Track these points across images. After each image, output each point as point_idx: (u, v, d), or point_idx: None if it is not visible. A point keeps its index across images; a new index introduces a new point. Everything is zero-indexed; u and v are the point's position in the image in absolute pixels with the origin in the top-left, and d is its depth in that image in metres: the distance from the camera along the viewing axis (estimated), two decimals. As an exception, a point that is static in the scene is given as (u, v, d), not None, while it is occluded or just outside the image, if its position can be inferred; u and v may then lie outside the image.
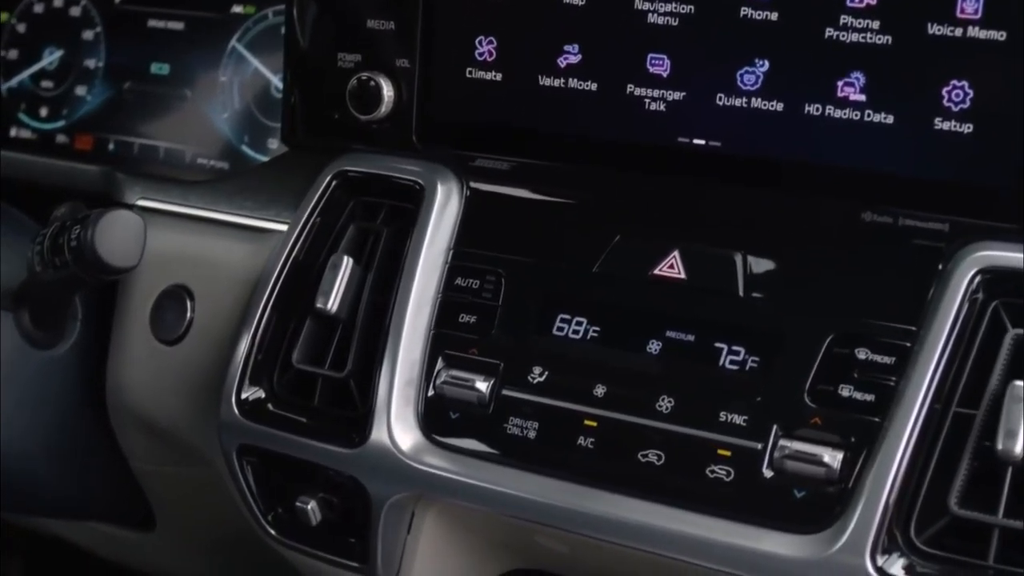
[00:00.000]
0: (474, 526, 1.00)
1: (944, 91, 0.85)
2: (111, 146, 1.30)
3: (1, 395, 1.11)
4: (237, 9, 1.26)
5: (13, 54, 1.37)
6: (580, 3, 0.95)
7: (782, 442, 0.85)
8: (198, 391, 1.08)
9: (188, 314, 1.10)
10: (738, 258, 0.90)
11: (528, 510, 0.91)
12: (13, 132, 1.36)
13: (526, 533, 0.97)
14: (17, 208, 1.17)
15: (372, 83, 1.02)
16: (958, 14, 0.84)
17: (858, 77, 0.87)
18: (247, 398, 1.00)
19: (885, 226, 0.88)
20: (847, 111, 0.88)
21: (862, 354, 0.85)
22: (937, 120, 0.85)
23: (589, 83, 0.96)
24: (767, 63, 0.90)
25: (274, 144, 1.21)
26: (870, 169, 0.89)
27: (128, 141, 1.29)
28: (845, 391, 0.85)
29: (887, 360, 0.84)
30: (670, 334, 0.90)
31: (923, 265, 0.86)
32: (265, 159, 1.21)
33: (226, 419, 1.01)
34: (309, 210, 1.03)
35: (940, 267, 0.85)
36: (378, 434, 0.95)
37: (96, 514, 1.30)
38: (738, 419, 0.86)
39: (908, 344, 0.84)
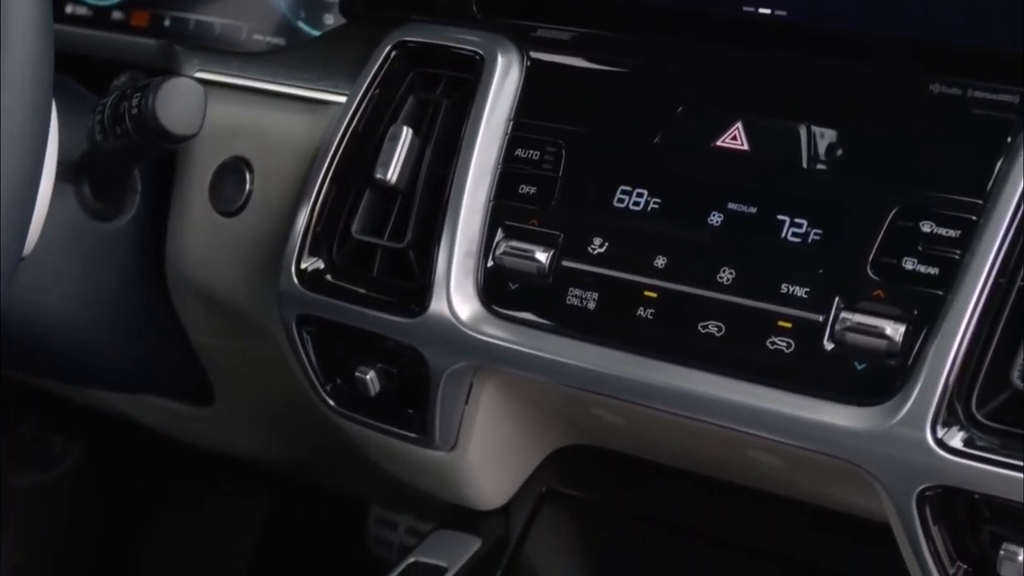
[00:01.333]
0: (531, 398, 1.01)
1: (1018, -43, 0.83)
2: (167, 22, 1.30)
3: (62, 267, 1.12)
4: None
5: (67, -69, 1.37)
6: None
7: (844, 314, 0.84)
8: (257, 262, 1.08)
9: (247, 186, 1.10)
10: (802, 130, 0.89)
11: (587, 380, 0.91)
12: (69, 9, 1.36)
13: (583, 405, 0.97)
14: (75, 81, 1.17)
15: (432, -48, 1.01)
16: None
17: (929, -57, 0.86)
18: (306, 268, 1.01)
19: (953, 97, 0.86)
20: (917, -22, 0.86)
21: (927, 227, 0.84)
22: (1009, -12, 0.84)
23: (653, -50, 0.95)
24: (834, -71, 0.89)
25: (330, 19, 1.20)
26: (938, 39, 0.87)
27: (184, 17, 1.29)
28: (909, 264, 0.84)
29: (952, 233, 0.84)
30: (732, 206, 0.90)
31: (991, 137, 0.84)
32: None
33: (286, 289, 1.01)
34: (368, 81, 1.02)
35: (1009, 139, 0.84)
36: (438, 304, 0.95)
37: (155, 388, 1.32)
38: (799, 291, 0.86)
39: (974, 217, 0.83)
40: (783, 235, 0.88)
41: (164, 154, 1.12)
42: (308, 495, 1.69)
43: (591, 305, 0.91)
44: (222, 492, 1.80)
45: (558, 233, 0.93)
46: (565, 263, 0.92)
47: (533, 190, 0.95)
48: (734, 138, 0.91)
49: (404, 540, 1.67)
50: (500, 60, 0.98)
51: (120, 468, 1.83)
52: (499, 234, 0.95)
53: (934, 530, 0.84)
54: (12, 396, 1.72)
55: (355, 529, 1.75)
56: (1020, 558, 0.80)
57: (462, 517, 1.10)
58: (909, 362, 0.82)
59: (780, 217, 0.88)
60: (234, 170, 1.10)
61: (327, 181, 1.01)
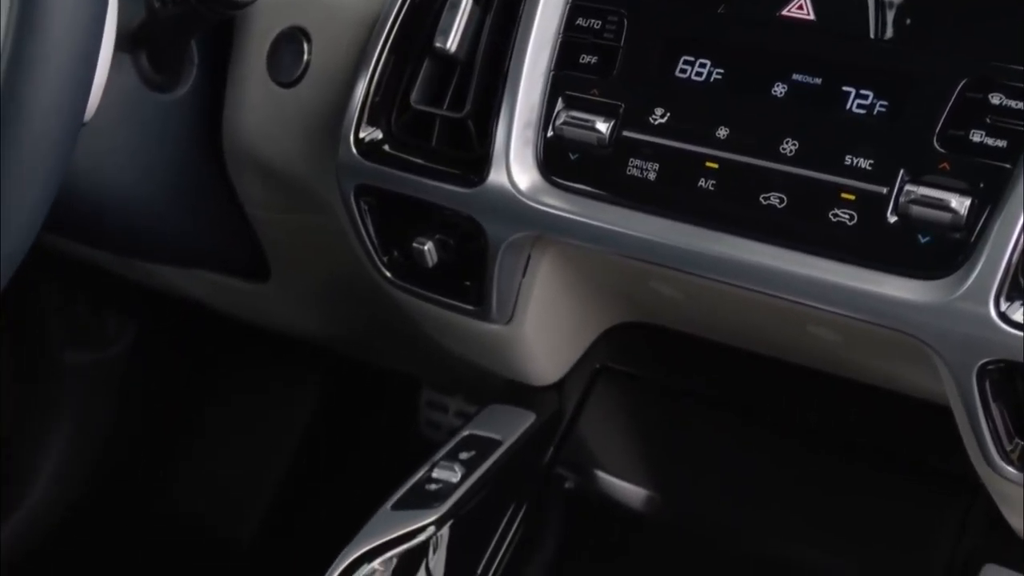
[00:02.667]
0: (588, 272, 1.00)
1: None
2: None
3: (120, 137, 1.12)
4: None
5: None
6: None
7: (908, 187, 0.83)
8: (315, 133, 1.08)
9: (305, 56, 1.09)
10: (870, -1, 0.88)
11: (646, 250, 0.90)
12: None
13: (641, 278, 0.97)
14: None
15: None
16: None
17: None
18: (365, 138, 1.00)
19: (1027, -33, 0.84)
20: None
21: (996, 99, 0.83)
22: None
23: None
24: None
25: None
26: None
27: None
28: (976, 136, 0.83)
29: (1021, 105, 0.82)
30: (796, 77, 0.88)
31: (1064, 8, 0.83)
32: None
33: (344, 159, 1.01)
34: (428, -51, 1.01)
35: (1083, 10, 0.82)
36: (497, 174, 0.94)
37: (211, 263, 1.32)
38: (864, 163, 0.85)
39: (1044, 89, 0.82)
40: (848, 106, 0.86)
41: (221, 24, 1.11)
42: (360, 375, 1.70)
43: (651, 176, 0.90)
44: (275, 370, 1.82)
45: (619, 103, 0.92)
46: (626, 133, 0.92)
47: (594, 60, 0.94)
48: (800, 7, 0.89)
49: (454, 423, 1.69)
50: (562, -73, 0.97)
51: (174, 346, 1.85)
52: (559, 104, 0.94)
53: (994, 407, 0.83)
54: (68, 276, 1.74)
55: (406, 411, 1.76)
56: (1080, 435, 0.80)
57: (516, 392, 1.11)
58: (973, 236, 0.81)
59: (845, 88, 0.87)
60: (292, 40, 1.10)
61: (386, 50, 1.01)
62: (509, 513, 1.05)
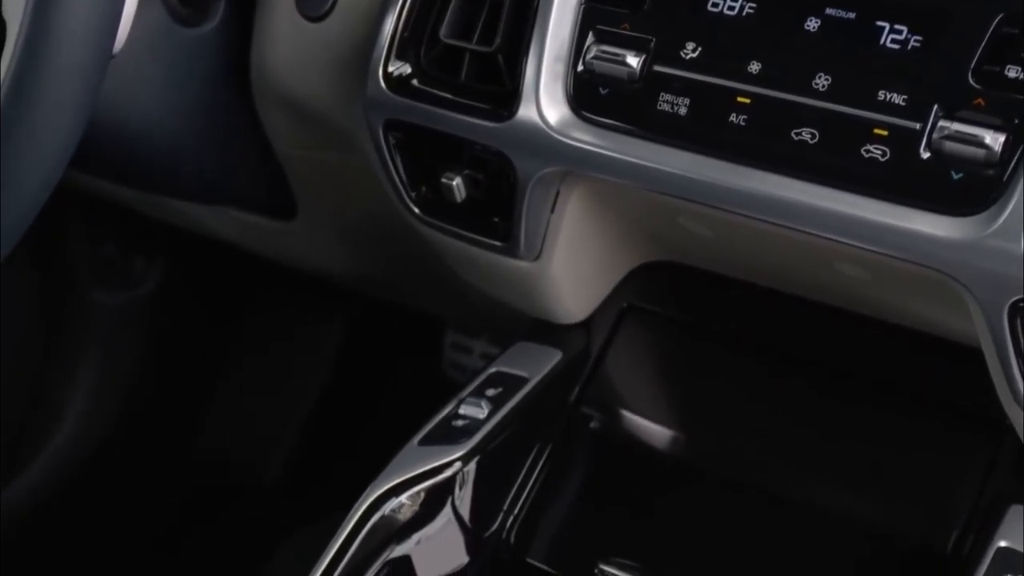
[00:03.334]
0: (617, 209, 1.00)
1: None
2: None
3: (147, 72, 1.12)
4: None
5: None
6: None
7: (942, 123, 0.82)
8: (344, 68, 1.07)
9: (333, -10, 1.09)
10: (906, -69, 0.87)
11: (676, 185, 0.90)
12: None
13: (670, 215, 0.97)
14: None
15: None
16: None
17: None
18: (393, 73, 1.00)
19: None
20: None
21: (1032, 34, 0.82)
22: None
23: None
24: None
25: None
26: None
27: None
28: (1012, 72, 0.81)
29: (1058, 42, 0.81)
30: (829, 11, 0.87)
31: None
32: None
33: (372, 94, 1.01)
34: None
35: (1122, -58, 0.81)
36: (526, 109, 0.94)
37: (238, 201, 1.33)
38: (897, 98, 0.84)
39: (1082, 25, 0.81)
40: (882, 41, 0.86)
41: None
42: (386, 316, 1.71)
43: (682, 111, 0.90)
44: (301, 310, 1.83)
45: (650, 38, 0.91)
46: (657, 68, 0.91)
47: (625, -7, 0.93)
48: (834, -59, 0.89)
49: (478, 364, 1.69)
50: None
51: (201, 286, 1.85)
52: (590, 38, 0.93)
53: (1024, 345, 0.83)
54: (96, 216, 1.74)
55: (431, 352, 1.77)
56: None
57: (543, 331, 1.11)
58: (1007, 173, 0.81)
59: (879, 23, 0.86)
60: (320, -27, 1.09)
61: (415, -17, 1.00)
62: (535, 451, 1.05)
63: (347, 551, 0.93)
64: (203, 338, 1.89)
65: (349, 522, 0.93)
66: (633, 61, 0.91)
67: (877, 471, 0.99)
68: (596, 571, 0.98)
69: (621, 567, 0.98)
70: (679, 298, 1.10)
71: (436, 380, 1.75)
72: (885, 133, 0.84)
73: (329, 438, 1.83)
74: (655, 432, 1.08)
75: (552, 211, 0.98)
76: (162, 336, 1.86)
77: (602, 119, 0.93)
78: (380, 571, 0.94)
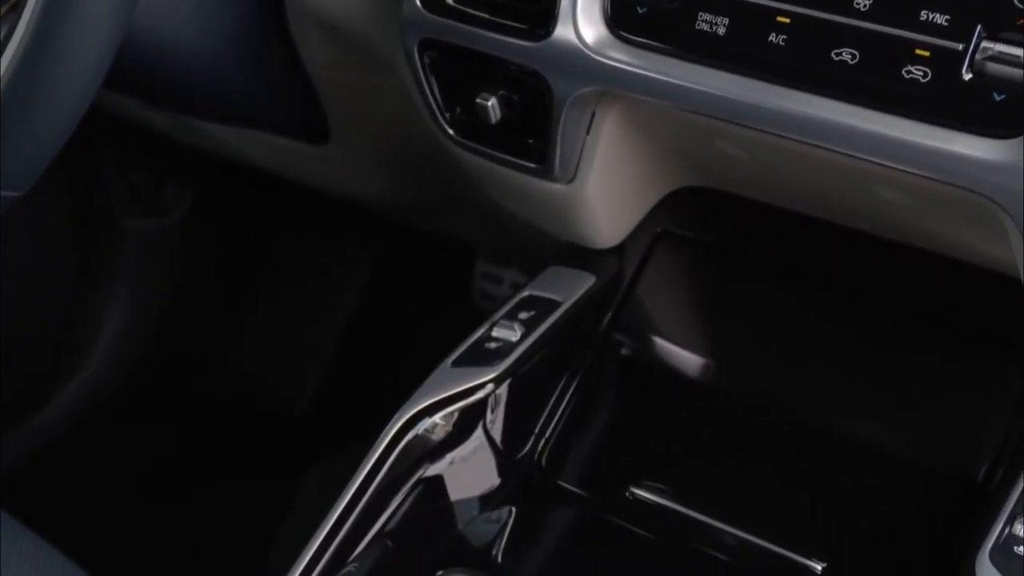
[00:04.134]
0: (653, 130, 0.99)
1: None
2: None
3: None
4: None
5: None
6: None
7: (985, 44, 0.81)
8: (379, -13, 1.07)
9: (368, -95, 1.08)
10: None
11: (714, 106, 0.89)
12: None
13: (706, 137, 0.96)
14: None
15: None
16: None
17: None
18: (429, -8, 1.00)
19: None
20: None
21: (1079, -47, 0.80)
22: None
23: None
24: None
25: None
26: None
27: None
28: (1057, -8, 0.81)
29: (1106, -40, 0.80)
30: (872, -70, 0.86)
31: None
32: None
33: (408, 13, 1.00)
34: None
35: None
36: (563, 28, 0.93)
37: (271, 124, 1.32)
38: (940, 19, 0.83)
39: None
40: (924, -40, 0.84)
41: None
42: (416, 244, 1.71)
43: (721, 30, 0.89)
44: (331, 238, 1.83)
45: (687, -44, 0.91)
46: (694, -13, 0.90)
47: (657, -85, 0.92)
48: None
49: (508, 295, 1.69)
50: None
51: (232, 214, 1.86)
52: (620, -42, 0.92)
53: (1065, 272, 0.82)
54: (128, 144, 1.75)
55: (460, 282, 1.77)
56: None
57: (576, 255, 1.11)
58: (1049, 92, 0.80)
59: (922, -57, 0.85)
60: None
61: (451, -102, 0.99)
62: (566, 375, 1.06)
63: (380, 469, 0.93)
64: (233, 266, 1.90)
65: (382, 441, 0.94)
66: (667, -20, 0.90)
67: (909, 400, 0.99)
68: (627, 494, 0.99)
69: (652, 490, 0.99)
70: (713, 224, 1.09)
71: (466, 310, 1.76)
72: (927, 54, 0.83)
73: (358, 367, 1.84)
74: (686, 358, 1.08)
75: (587, 133, 0.97)
76: (192, 264, 1.87)
77: (639, 39, 0.92)
78: (413, 489, 0.95)
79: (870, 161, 0.85)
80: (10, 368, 1.76)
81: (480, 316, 1.06)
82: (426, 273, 1.83)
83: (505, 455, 1.01)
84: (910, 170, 0.84)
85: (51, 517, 1.16)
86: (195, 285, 1.88)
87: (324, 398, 1.84)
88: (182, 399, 1.87)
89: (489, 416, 1.00)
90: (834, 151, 0.86)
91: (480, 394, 0.98)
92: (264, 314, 1.89)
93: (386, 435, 0.94)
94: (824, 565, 0.93)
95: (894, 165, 0.84)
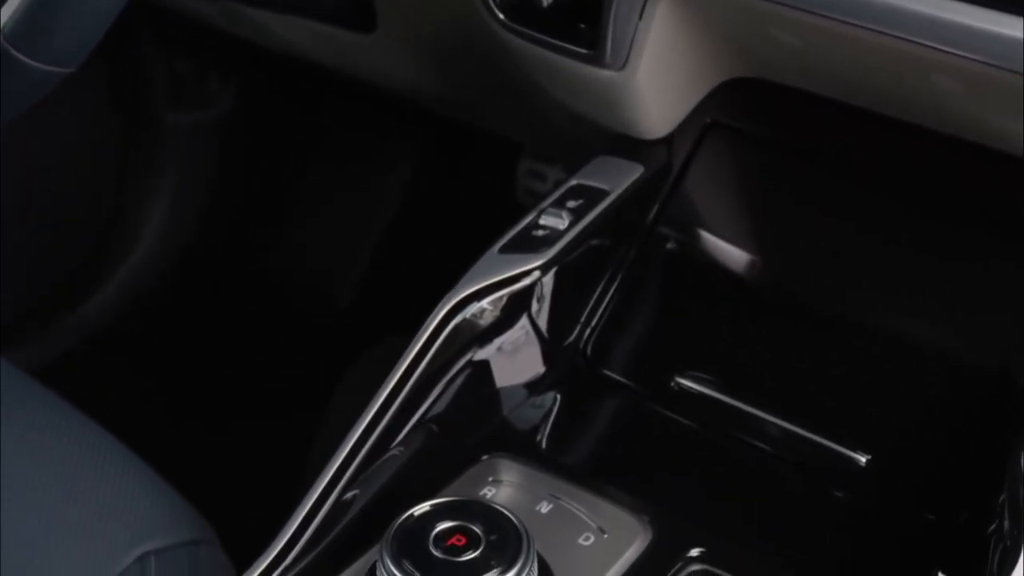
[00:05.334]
0: (706, 16, 0.98)
1: None
2: None
3: None
4: None
5: None
6: None
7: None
8: None
9: None
10: None
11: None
12: None
13: (760, 22, 0.95)
14: None
15: None
16: None
17: None
18: None
19: None
20: None
21: None
22: None
23: None
24: None
25: None
26: None
27: None
28: None
29: None
30: None
31: None
32: None
33: None
34: None
35: None
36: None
37: (316, 10, 1.31)
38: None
39: None
40: None
41: None
42: (461, 138, 1.70)
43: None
44: (375, 131, 1.82)
45: None
46: None
47: None
48: None
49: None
50: None
51: (275, 107, 1.85)
52: None
53: None
54: (170, 36, 1.74)
55: (504, 179, 1.76)
56: None
57: (625, 145, 1.10)
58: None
59: None
60: None
61: None
62: (612, 268, 1.05)
63: (426, 353, 0.93)
64: (275, 160, 1.90)
65: (429, 325, 0.94)
66: None
67: (954, 296, 0.98)
68: (672, 384, 0.99)
69: (697, 380, 0.99)
70: (764, 116, 1.08)
71: (509, 207, 1.75)
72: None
73: (400, 262, 1.84)
74: (732, 251, 1.07)
75: (640, 18, 0.96)
76: (234, 157, 1.87)
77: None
78: (459, 374, 0.95)
79: (929, 47, 0.84)
80: (54, 261, 1.77)
81: (523, 214, 1.06)
82: (469, 169, 1.82)
83: (550, 343, 1.01)
84: (970, 56, 0.83)
85: (97, 404, 1.17)
86: (237, 179, 1.88)
87: (367, 292, 1.85)
88: (224, 292, 1.88)
89: (535, 304, 0.99)
90: (892, 36, 0.85)
91: (527, 281, 0.98)
92: (307, 208, 1.89)
93: (433, 319, 0.94)
94: (868, 457, 0.92)
95: (951, 50, 0.83)
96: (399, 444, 0.92)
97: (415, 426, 0.93)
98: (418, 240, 1.85)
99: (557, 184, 1.65)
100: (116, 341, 1.80)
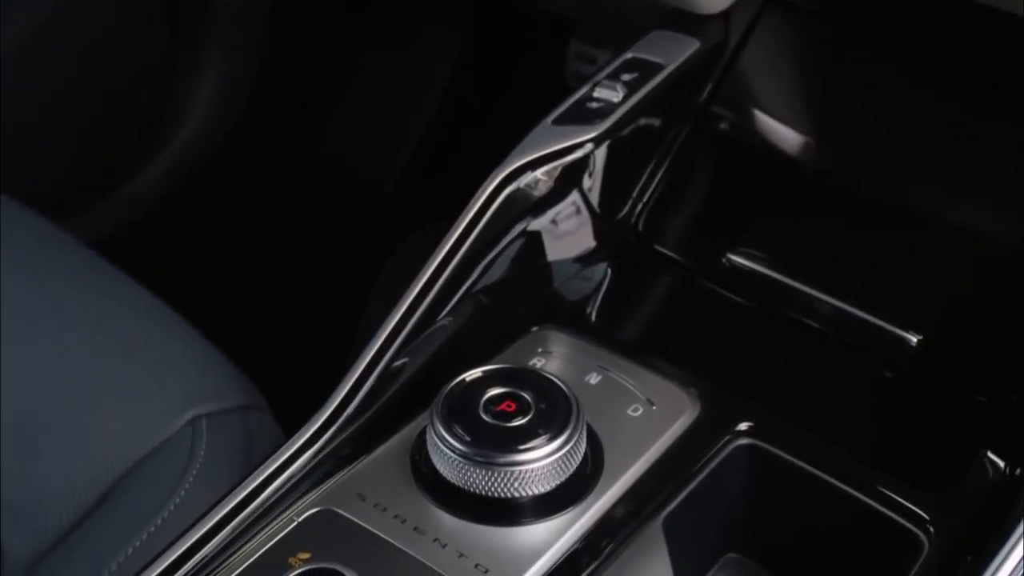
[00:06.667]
0: None
1: None
2: None
3: None
4: None
5: None
6: None
7: None
8: None
9: None
10: None
11: None
12: None
13: None
14: None
15: None
16: None
17: None
18: None
19: None
20: None
21: None
22: None
23: None
24: None
25: None
26: None
27: None
28: None
29: None
30: None
31: None
32: None
33: None
34: None
35: None
36: None
37: None
38: None
39: None
40: None
41: None
42: (512, 19, 1.68)
43: None
44: (426, 11, 1.80)
45: None
46: None
47: None
48: None
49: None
50: None
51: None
52: None
53: None
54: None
55: (554, 61, 1.74)
56: None
57: (681, 20, 1.08)
58: None
59: None
60: None
61: None
62: (665, 144, 1.04)
63: (478, 223, 0.93)
64: (324, 40, 1.89)
65: (482, 194, 0.93)
66: None
67: (1012, 181, 0.97)
68: (724, 260, 0.98)
69: (748, 257, 0.98)
70: (824, -8, 1.07)
71: (558, 90, 1.73)
72: None
73: (449, 141, 1.83)
74: (786, 132, 1.06)
75: None
76: (283, 37, 1.86)
77: None
78: (510, 244, 0.95)
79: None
80: (104, 138, 1.77)
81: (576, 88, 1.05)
82: (519, 52, 1.81)
83: (602, 218, 1.00)
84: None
85: (145, 277, 1.18)
86: (285, 60, 1.87)
87: (412, 178, 1.84)
88: (269, 174, 1.88)
89: (587, 178, 0.99)
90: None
91: (579, 153, 0.97)
92: (355, 91, 1.88)
93: (485, 188, 0.93)
94: (919, 337, 0.92)
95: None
96: (449, 314, 0.93)
97: (465, 297, 0.93)
98: (466, 122, 1.84)
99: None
100: (163, 219, 1.81)
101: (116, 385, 1.02)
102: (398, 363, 0.90)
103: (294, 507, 0.82)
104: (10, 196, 1.21)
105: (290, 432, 0.88)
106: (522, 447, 0.78)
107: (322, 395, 0.89)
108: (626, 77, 1.02)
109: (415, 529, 0.79)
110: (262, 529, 0.81)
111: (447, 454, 0.79)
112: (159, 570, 0.78)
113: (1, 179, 1.35)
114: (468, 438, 0.79)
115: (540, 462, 0.78)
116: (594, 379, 0.89)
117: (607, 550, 0.80)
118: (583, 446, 0.81)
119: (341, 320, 1.51)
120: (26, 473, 0.99)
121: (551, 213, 0.97)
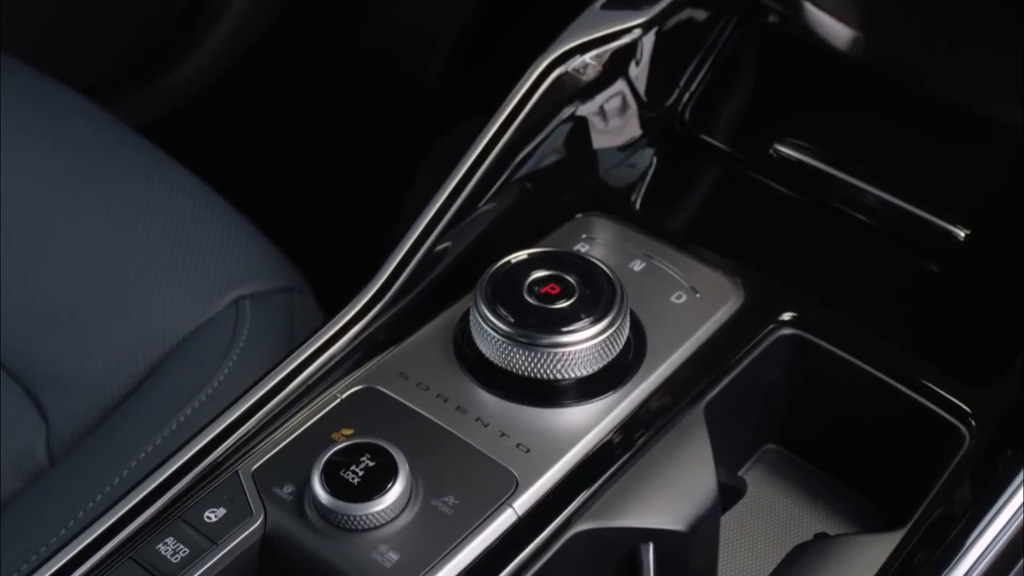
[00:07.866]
0: None
1: None
2: None
3: None
4: None
5: None
6: None
7: None
8: None
9: None
10: None
11: None
12: None
13: None
14: None
15: None
16: None
17: None
18: None
19: None
20: None
21: None
22: None
23: None
24: None
25: None
26: None
27: None
28: None
29: None
30: None
31: None
32: None
33: None
34: None
35: None
36: None
37: None
38: None
39: None
40: None
41: None
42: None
43: None
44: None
45: None
46: None
47: None
48: None
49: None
50: None
51: None
52: None
53: None
54: None
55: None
56: None
57: None
58: None
59: None
60: None
61: None
62: (713, 36, 1.03)
63: (525, 105, 0.92)
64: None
65: (530, 76, 0.92)
66: None
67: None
68: (771, 151, 0.97)
69: (796, 148, 0.97)
70: None
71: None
72: None
73: (488, 40, 1.81)
74: (835, 25, 1.04)
75: None
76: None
77: None
78: (557, 128, 0.94)
79: None
80: (146, 26, 1.76)
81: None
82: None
83: (648, 106, 0.99)
84: None
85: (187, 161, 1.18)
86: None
87: (454, 70, 1.83)
88: (311, 65, 1.87)
89: (633, 66, 0.98)
90: None
91: (628, 38, 0.96)
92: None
93: (533, 71, 0.93)
94: (967, 232, 0.91)
95: None
96: (492, 199, 0.92)
97: (510, 181, 0.93)
98: (506, 19, 1.82)
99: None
100: (203, 110, 1.80)
101: (161, 265, 1.02)
102: (441, 246, 0.90)
103: (337, 385, 0.82)
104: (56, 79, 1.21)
105: (332, 314, 0.88)
106: (565, 329, 0.78)
107: (364, 279, 0.89)
108: (676, -37, 1.00)
109: (457, 408, 0.79)
110: (305, 406, 0.81)
111: (490, 334, 0.79)
112: (204, 443, 0.79)
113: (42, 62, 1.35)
114: (512, 319, 0.79)
115: (583, 344, 0.78)
116: (638, 266, 0.89)
117: (648, 434, 0.80)
118: (626, 331, 0.81)
119: (382, 210, 1.51)
120: (73, 350, 1.00)
121: (598, 99, 0.96)
